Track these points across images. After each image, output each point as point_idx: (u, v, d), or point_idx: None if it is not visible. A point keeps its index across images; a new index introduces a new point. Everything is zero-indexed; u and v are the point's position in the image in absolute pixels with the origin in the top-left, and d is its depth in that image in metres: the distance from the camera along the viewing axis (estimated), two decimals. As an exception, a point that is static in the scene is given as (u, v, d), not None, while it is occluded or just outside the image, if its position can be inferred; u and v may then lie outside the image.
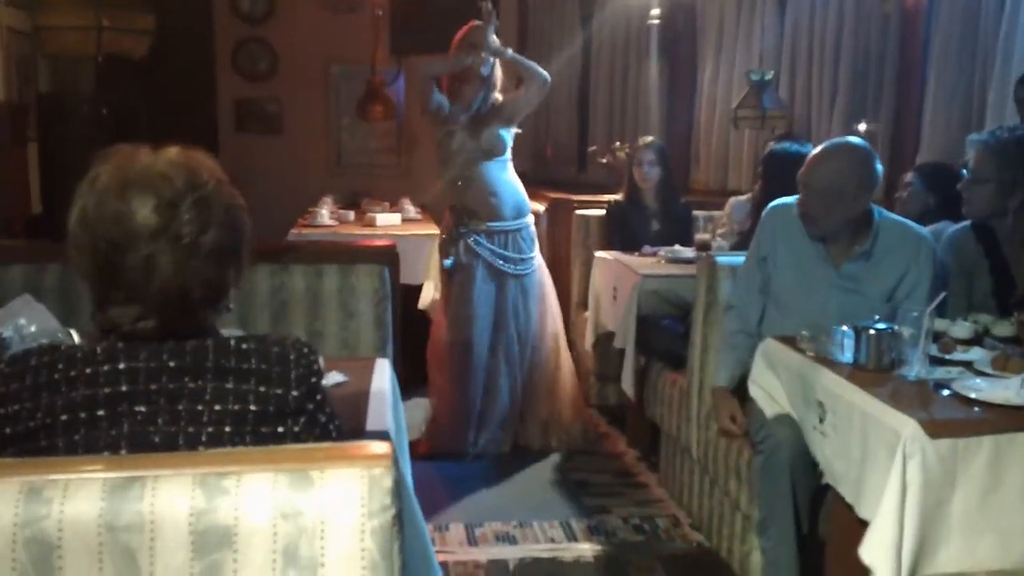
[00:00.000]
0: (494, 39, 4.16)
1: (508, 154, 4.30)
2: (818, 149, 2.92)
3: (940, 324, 2.58)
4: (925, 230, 2.99)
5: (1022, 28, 3.52)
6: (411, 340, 4.42)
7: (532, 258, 4.37)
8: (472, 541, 3.45)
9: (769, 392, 2.72)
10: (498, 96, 4.29)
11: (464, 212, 4.25)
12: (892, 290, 2.85)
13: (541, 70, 4.25)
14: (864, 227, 2.85)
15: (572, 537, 3.49)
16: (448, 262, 4.26)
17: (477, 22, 4.23)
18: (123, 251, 1.38)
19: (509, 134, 4.28)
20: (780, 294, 3.01)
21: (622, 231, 4.85)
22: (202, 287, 1.42)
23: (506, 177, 4.29)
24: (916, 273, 2.84)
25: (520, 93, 4.34)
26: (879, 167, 2.84)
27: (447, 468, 4.15)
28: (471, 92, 4.21)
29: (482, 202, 4.24)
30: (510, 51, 4.25)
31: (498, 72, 4.27)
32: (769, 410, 2.73)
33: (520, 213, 4.33)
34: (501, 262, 4.26)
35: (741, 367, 3.00)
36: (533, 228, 4.40)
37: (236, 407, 1.38)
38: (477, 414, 4.31)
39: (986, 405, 2.12)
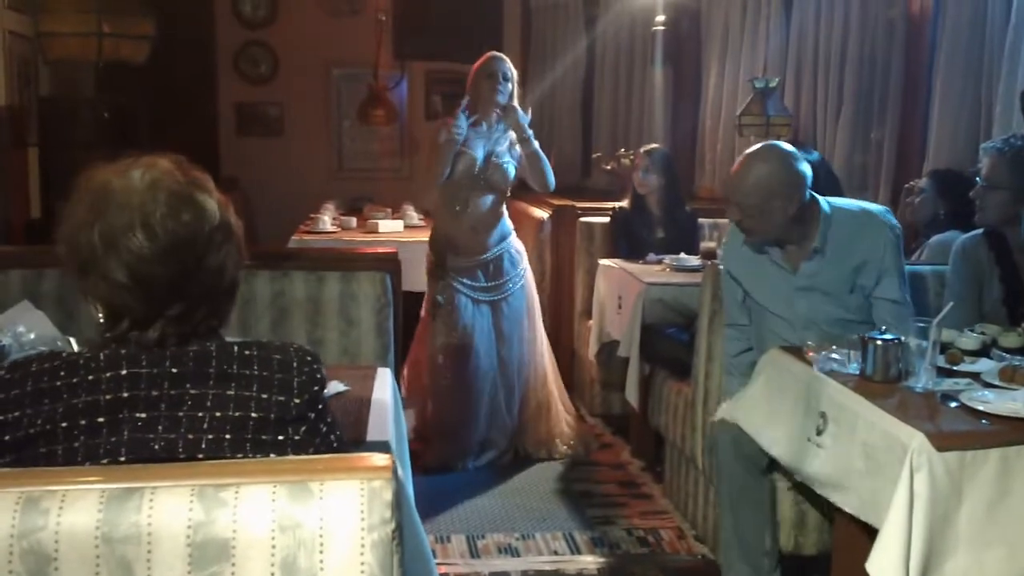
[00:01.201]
0: (521, 118, 4.17)
1: (507, 190, 4.29)
2: (735, 164, 2.95)
3: (947, 335, 2.56)
4: (880, 208, 2.96)
5: (1029, 37, 3.51)
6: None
7: (515, 276, 4.32)
8: (474, 553, 3.43)
9: (750, 402, 2.71)
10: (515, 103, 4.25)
11: (447, 245, 4.23)
12: (852, 281, 2.84)
13: (551, 179, 4.27)
14: (812, 223, 2.85)
15: (575, 549, 3.47)
16: (439, 299, 4.24)
17: (494, 52, 4.25)
18: (199, 255, 1.42)
19: (514, 169, 4.24)
20: (754, 308, 3.04)
21: (627, 238, 4.83)
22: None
23: (498, 210, 4.27)
24: (879, 257, 2.82)
25: (525, 170, 4.28)
26: (800, 164, 2.82)
27: (449, 478, 4.12)
28: (491, 87, 4.15)
29: (467, 235, 4.22)
30: (536, 143, 4.25)
31: (516, 87, 4.24)
32: (719, 414, 2.83)
33: (502, 238, 4.29)
34: (483, 293, 4.25)
35: None
36: (517, 244, 4.36)
37: (237, 413, 1.37)
38: (470, 431, 4.28)
39: (993, 417, 2.10)
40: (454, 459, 4.24)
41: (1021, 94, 3.22)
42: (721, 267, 3.15)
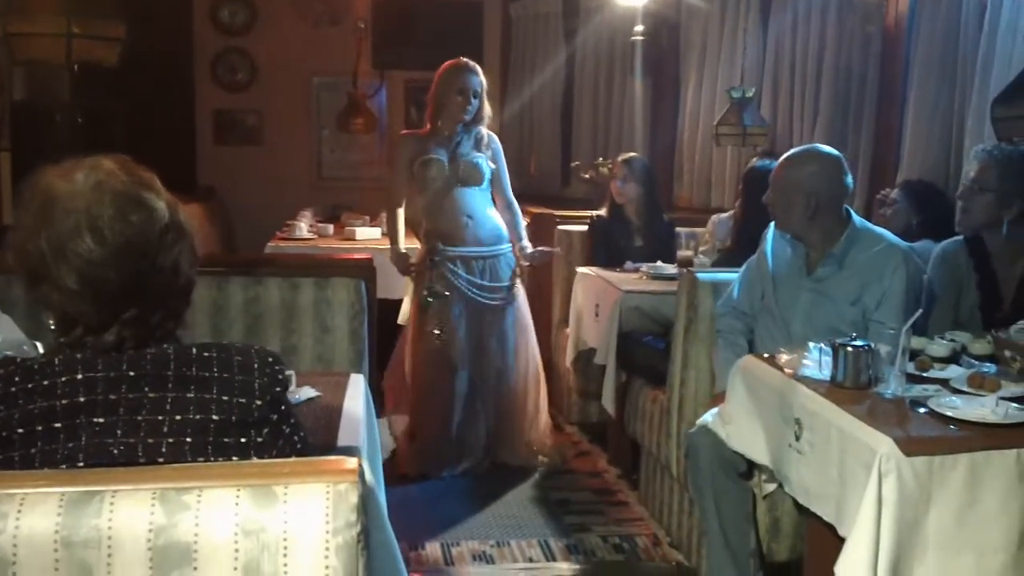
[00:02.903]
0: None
1: (487, 185, 4.23)
2: (790, 152, 3.11)
3: (917, 342, 2.58)
4: (908, 246, 3.01)
5: (1000, 49, 3.54)
6: (388, 354, 4.40)
7: (511, 287, 4.28)
8: (448, 560, 3.42)
9: (735, 411, 2.72)
10: (484, 132, 4.23)
11: (439, 236, 4.16)
12: (858, 296, 2.91)
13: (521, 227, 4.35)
14: (836, 232, 2.94)
15: (550, 556, 3.46)
16: (426, 298, 4.14)
17: (465, 63, 4.18)
18: (151, 257, 1.40)
19: (485, 162, 4.20)
20: (762, 303, 3.11)
21: (605, 247, 4.84)
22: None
23: (484, 204, 4.23)
24: (887, 283, 2.87)
25: (501, 188, 4.31)
26: (841, 177, 2.96)
27: (424, 486, 4.11)
28: (461, 105, 4.11)
29: (458, 224, 4.14)
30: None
31: (486, 109, 4.22)
32: (700, 421, 2.88)
33: (499, 239, 4.23)
34: (478, 291, 4.18)
35: None
36: (512, 256, 4.30)
37: (197, 417, 1.35)
38: (455, 443, 4.25)
39: (962, 423, 2.11)
40: (434, 468, 4.21)
41: (992, 105, 3.26)
42: (760, 248, 3.20)
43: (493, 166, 4.25)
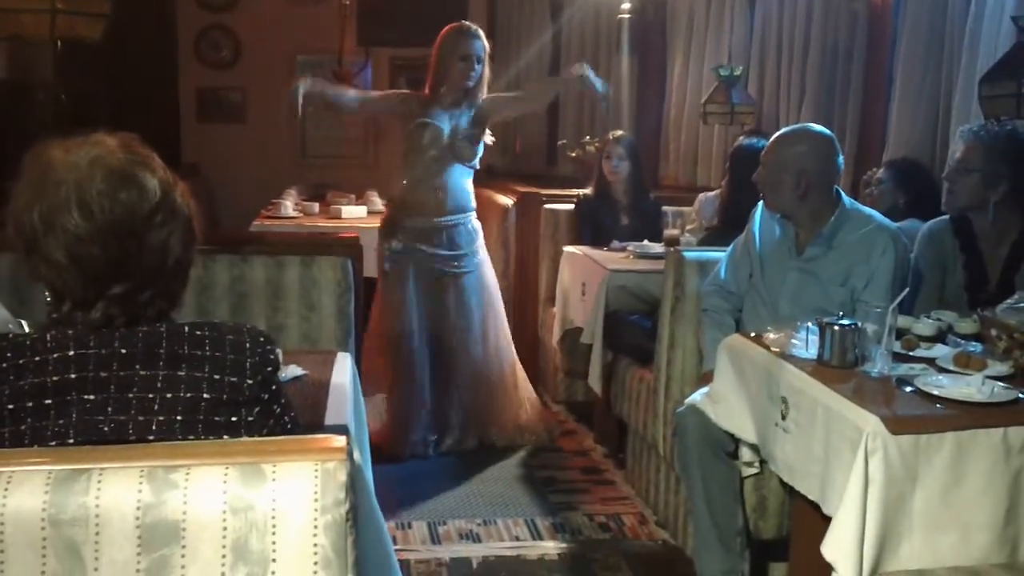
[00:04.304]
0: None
1: (476, 162, 4.23)
2: (782, 131, 3.10)
3: (904, 321, 2.59)
4: (897, 226, 3.01)
5: (987, 28, 3.54)
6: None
7: (470, 255, 4.25)
8: (435, 539, 3.42)
9: (723, 390, 2.73)
10: (483, 85, 4.19)
11: (404, 206, 4.17)
12: (846, 277, 2.92)
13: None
14: (825, 212, 2.95)
15: (537, 535, 3.47)
16: (387, 264, 4.17)
17: (467, 26, 4.14)
18: (139, 235, 1.39)
19: (482, 145, 4.20)
20: (749, 282, 3.12)
21: (591, 226, 4.84)
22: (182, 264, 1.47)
23: (463, 180, 4.21)
24: (875, 263, 2.88)
25: (505, 104, 4.27)
26: (832, 157, 2.96)
27: (410, 465, 4.10)
28: (465, 71, 4.08)
29: (428, 196, 4.13)
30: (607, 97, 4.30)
31: (487, 74, 4.19)
32: (687, 400, 2.89)
33: (462, 209, 4.21)
34: (437, 264, 4.18)
35: None
36: (476, 223, 4.28)
37: (188, 395, 1.35)
38: (426, 416, 4.24)
39: (948, 402, 2.12)
40: (418, 445, 4.20)
41: (979, 83, 3.25)
42: (743, 239, 3.20)
43: (489, 142, 4.25)
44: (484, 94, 4.20)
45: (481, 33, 4.15)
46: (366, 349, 4.30)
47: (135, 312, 1.40)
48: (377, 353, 4.27)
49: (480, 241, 4.32)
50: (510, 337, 4.51)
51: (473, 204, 4.28)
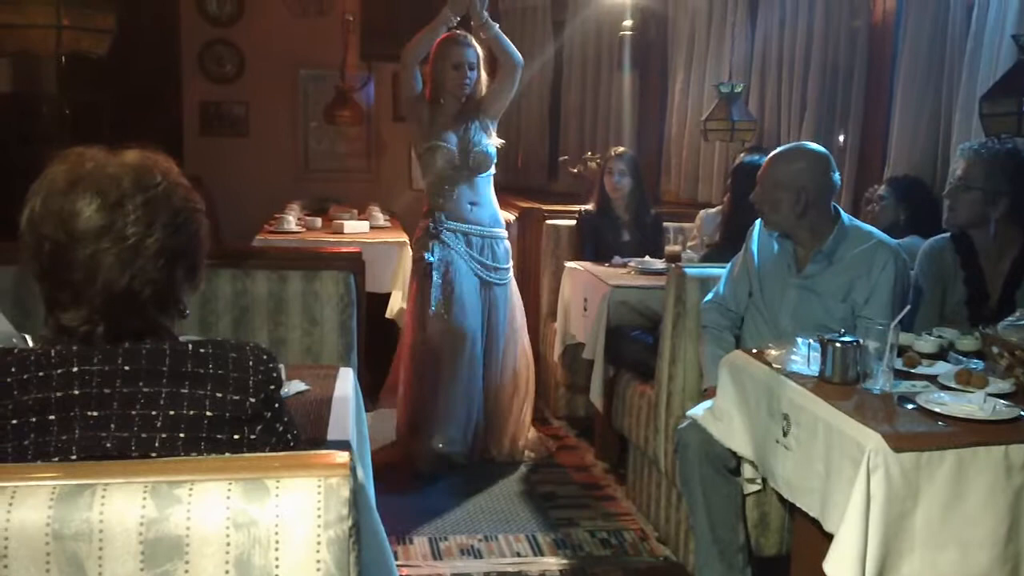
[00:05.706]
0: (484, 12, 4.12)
1: (493, 168, 4.28)
2: (778, 149, 3.11)
3: (905, 338, 2.59)
4: (897, 243, 3.02)
5: (987, 46, 3.55)
6: (376, 349, 4.38)
7: (507, 270, 4.34)
8: (437, 555, 3.42)
9: (725, 407, 2.73)
10: (481, 89, 4.25)
11: (443, 213, 4.19)
12: (847, 293, 2.93)
13: (516, 55, 4.22)
14: (824, 229, 2.96)
15: (538, 551, 3.47)
16: (429, 255, 4.14)
17: (459, 34, 4.19)
18: (67, 250, 1.36)
19: (494, 148, 4.24)
20: (750, 298, 3.12)
21: (593, 241, 4.85)
22: (150, 288, 1.40)
23: (488, 190, 4.29)
24: (875, 279, 2.89)
25: (495, 85, 4.27)
26: (829, 174, 2.97)
27: (412, 480, 4.10)
28: (458, 79, 4.14)
29: (463, 208, 4.20)
30: (496, 26, 4.21)
31: (483, 79, 4.23)
32: (689, 413, 2.90)
33: (497, 223, 4.31)
34: (478, 266, 4.22)
35: None
36: (507, 243, 4.36)
37: (191, 412, 1.35)
38: (458, 427, 4.18)
39: (949, 419, 2.12)
40: (458, 456, 4.15)
41: (980, 101, 3.26)
42: (741, 257, 3.21)
43: (499, 144, 4.29)
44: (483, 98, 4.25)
45: (473, 40, 4.20)
46: (396, 360, 4.31)
47: (139, 329, 1.40)
48: (408, 364, 4.24)
49: (511, 263, 4.38)
50: (531, 357, 4.52)
51: (503, 220, 4.37)
